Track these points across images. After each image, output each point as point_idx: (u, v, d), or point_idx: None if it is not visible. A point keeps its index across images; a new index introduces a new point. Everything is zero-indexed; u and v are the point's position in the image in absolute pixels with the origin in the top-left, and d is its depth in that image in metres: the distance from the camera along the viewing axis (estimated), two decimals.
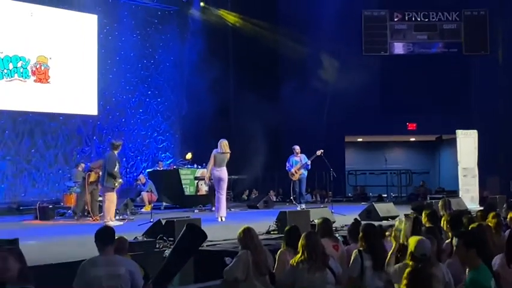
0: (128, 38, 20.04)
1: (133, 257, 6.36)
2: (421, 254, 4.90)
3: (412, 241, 4.99)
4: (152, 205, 16.11)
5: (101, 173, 13.18)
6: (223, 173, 13.13)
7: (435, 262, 5.17)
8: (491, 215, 7.37)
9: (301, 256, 5.45)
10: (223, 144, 13.15)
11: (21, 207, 16.06)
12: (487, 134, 19.38)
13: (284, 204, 18.38)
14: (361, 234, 5.96)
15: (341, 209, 13.85)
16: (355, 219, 7.28)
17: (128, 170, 18.44)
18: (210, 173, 13.36)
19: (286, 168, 16.03)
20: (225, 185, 13.19)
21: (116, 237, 5.65)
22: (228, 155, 13.18)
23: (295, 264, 5.46)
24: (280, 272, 5.98)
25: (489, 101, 22.34)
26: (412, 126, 23.39)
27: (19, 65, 17.24)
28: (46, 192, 17.72)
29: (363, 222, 6.86)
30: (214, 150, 13.30)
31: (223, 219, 12.89)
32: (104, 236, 5.23)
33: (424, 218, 7.69)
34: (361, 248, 5.87)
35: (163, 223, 8.49)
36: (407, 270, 4.26)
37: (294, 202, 16.31)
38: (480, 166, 17.23)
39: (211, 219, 12.65)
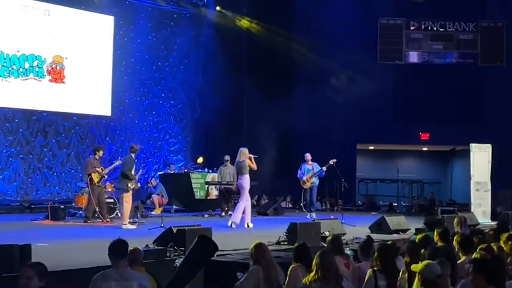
0: (144, 40, 20.11)
1: (144, 265, 6.37)
2: (436, 275, 4.84)
3: (421, 265, 4.95)
4: (162, 208, 16.22)
5: (100, 171, 13.34)
6: (243, 181, 13.44)
7: (447, 286, 5.13)
8: (505, 236, 7.29)
9: (314, 275, 5.41)
10: (240, 153, 13.58)
11: (32, 206, 16.13)
12: (501, 147, 19.24)
13: (294, 211, 18.39)
14: (376, 254, 5.92)
15: (351, 219, 13.84)
16: (368, 236, 7.24)
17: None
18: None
19: (298, 176, 16.07)
20: (243, 193, 13.43)
21: (131, 248, 5.66)
22: (245, 162, 13.43)
23: (308, 283, 5.43)
24: (291, 287, 5.97)
25: (504, 113, 22.17)
26: (425, 136, 23.29)
27: (35, 64, 17.32)
28: (57, 191, 17.81)
29: (375, 239, 6.82)
30: (236, 160, 13.74)
31: (234, 225, 13.02)
32: (118, 249, 5.22)
33: (436, 236, 7.68)
34: (375, 268, 5.83)
35: (174, 231, 8.49)
36: None
37: (304, 210, 16.34)
38: (493, 179, 17.13)
39: (222, 225, 12.71)
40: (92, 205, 13.41)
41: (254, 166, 13.57)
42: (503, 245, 7.05)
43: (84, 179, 15.90)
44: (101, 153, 13.99)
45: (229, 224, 13.03)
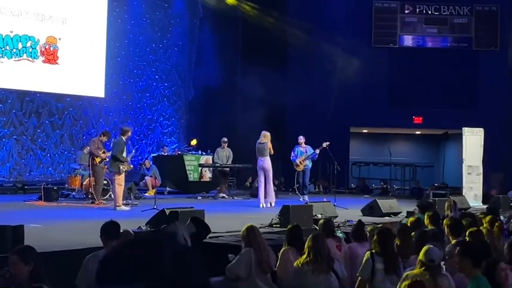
0: (138, 22, 20.02)
1: None
2: (428, 259, 4.93)
3: (422, 250, 5.02)
4: (156, 190, 16.26)
5: (102, 154, 13.31)
6: (265, 162, 14.06)
7: (441, 270, 5.16)
8: (487, 218, 7.39)
9: (306, 257, 5.46)
10: (262, 135, 14.17)
11: (25, 187, 16.14)
12: (494, 131, 19.34)
13: (287, 194, 18.45)
14: (375, 237, 5.94)
15: (344, 202, 13.91)
16: (359, 220, 7.29)
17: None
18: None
19: (291, 159, 16.12)
20: (268, 174, 14.08)
21: (122, 231, 5.69)
22: (267, 144, 14.08)
23: (300, 265, 5.48)
24: (283, 270, 6.02)
25: (497, 98, 22.27)
26: (418, 119, 23.34)
27: (28, 44, 17.21)
28: (51, 172, 17.80)
29: (367, 222, 6.86)
30: (257, 142, 14.24)
31: (273, 204, 13.84)
32: (109, 231, 5.27)
33: (426, 220, 7.76)
34: (373, 251, 5.86)
35: (167, 213, 8.53)
36: (405, 283, 4.30)
37: (297, 192, 16.41)
38: (485, 163, 17.23)
39: (214, 207, 12.76)
40: (100, 186, 13.38)
41: (272, 151, 14.26)
42: (489, 228, 7.14)
43: (77, 160, 15.94)
44: (105, 138, 13.90)
45: (260, 206, 13.86)
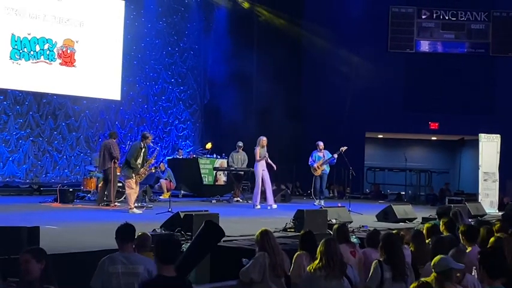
0: (154, 25, 20.10)
1: (153, 249, 6.41)
2: (437, 268, 4.86)
3: (434, 259, 4.96)
4: (170, 193, 16.27)
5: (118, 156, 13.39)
6: (255, 167, 14.87)
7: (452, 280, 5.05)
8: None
9: (319, 263, 5.44)
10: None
11: (41, 188, 16.26)
12: (510, 137, 19.18)
13: (302, 199, 18.44)
14: (380, 244, 5.89)
15: (358, 207, 13.85)
16: (374, 229, 7.23)
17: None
18: None
19: (309, 163, 16.08)
20: (255, 178, 14.74)
21: (139, 234, 5.70)
22: (255, 150, 14.68)
23: (312, 270, 5.46)
24: (296, 275, 6.01)
25: None
26: (434, 125, 23.25)
27: (45, 47, 17.34)
28: (67, 174, 17.89)
29: (382, 228, 6.81)
30: None
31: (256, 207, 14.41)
32: (124, 233, 5.28)
33: (441, 226, 7.70)
34: (381, 259, 5.78)
35: (181, 216, 8.54)
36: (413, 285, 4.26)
37: (313, 196, 16.39)
38: (501, 169, 17.11)
39: (229, 211, 12.75)
40: (115, 188, 13.44)
41: (256, 156, 14.72)
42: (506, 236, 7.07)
43: (92, 163, 16.02)
44: (116, 139, 14.04)
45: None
